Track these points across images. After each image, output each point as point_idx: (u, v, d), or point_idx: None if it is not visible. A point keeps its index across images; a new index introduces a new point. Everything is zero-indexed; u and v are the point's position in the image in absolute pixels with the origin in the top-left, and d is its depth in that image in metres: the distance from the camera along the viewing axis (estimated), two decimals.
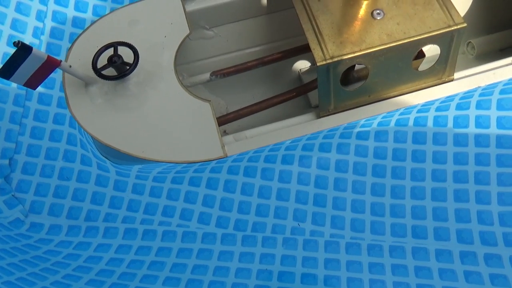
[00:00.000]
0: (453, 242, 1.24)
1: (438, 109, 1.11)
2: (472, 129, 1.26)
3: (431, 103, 1.09)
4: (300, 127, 1.01)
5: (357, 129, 1.07)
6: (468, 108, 1.18)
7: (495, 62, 1.06)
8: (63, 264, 1.19)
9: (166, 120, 0.97)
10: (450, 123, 1.22)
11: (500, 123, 1.24)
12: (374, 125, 1.08)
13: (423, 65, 1.12)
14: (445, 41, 0.97)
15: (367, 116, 1.02)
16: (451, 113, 1.17)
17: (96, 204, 1.37)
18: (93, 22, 1.04)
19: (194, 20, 1.13)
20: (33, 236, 1.28)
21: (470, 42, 1.31)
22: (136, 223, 1.33)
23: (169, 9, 1.06)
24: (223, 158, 0.97)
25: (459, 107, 1.16)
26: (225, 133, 1.17)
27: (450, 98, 1.11)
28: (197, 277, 1.19)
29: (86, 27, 1.10)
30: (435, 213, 1.28)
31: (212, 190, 1.22)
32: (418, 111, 1.10)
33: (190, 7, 1.12)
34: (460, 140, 1.28)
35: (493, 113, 1.23)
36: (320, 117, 1.03)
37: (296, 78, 1.25)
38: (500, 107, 1.18)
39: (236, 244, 1.25)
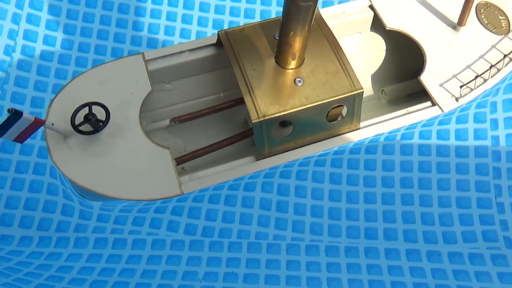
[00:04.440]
0: (401, 242, 1.38)
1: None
2: (416, 140, 1.44)
3: (344, 146, 1.36)
4: (242, 168, 1.22)
5: (281, 169, 1.32)
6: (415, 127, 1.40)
7: (392, 113, 1.32)
8: (35, 274, 1.22)
9: (132, 165, 1.12)
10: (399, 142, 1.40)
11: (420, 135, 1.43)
12: (296, 165, 1.33)
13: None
14: (349, 102, 1.20)
15: (293, 159, 1.26)
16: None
17: (66, 215, 1.41)
18: (68, 82, 1.18)
19: (156, 76, 1.30)
20: (4, 248, 1.30)
21: (383, 89, 1.53)
22: (107, 232, 1.38)
23: (134, 69, 1.21)
24: (180, 195, 1.14)
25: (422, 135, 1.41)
26: (183, 169, 1.32)
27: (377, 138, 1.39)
28: (167, 282, 1.26)
29: (65, 83, 1.25)
30: (385, 216, 1.42)
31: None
32: (351, 153, 1.39)
33: (152, 67, 1.28)
34: (406, 150, 1.46)
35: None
36: (258, 160, 1.24)
37: (243, 122, 1.45)
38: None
39: (203, 250, 1.34)
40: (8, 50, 1.61)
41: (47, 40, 1.69)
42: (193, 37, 1.80)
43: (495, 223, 1.39)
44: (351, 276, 1.31)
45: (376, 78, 1.59)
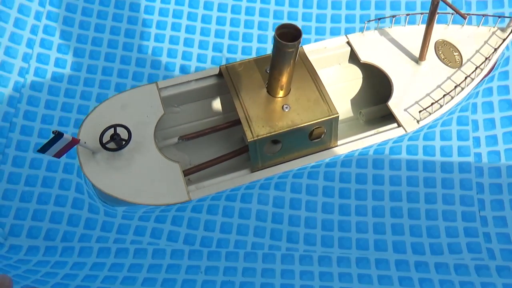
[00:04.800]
0: (390, 252, 1.45)
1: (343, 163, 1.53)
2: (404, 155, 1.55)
3: (324, 161, 1.52)
4: (239, 179, 1.42)
5: (275, 180, 1.47)
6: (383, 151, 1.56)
7: (362, 134, 1.52)
8: (42, 282, 1.28)
9: (148, 175, 1.31)
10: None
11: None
12: (290, 176, 1.49)
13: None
14: (327, 124, 1.41)
15: (282, 171, 1.45)
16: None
17: (72, 225, 1.48)
18: (95, 107, 1.40)
19: (167, 101, 1.52)
20: (13, 257, 1.37)
21: (361, 111, 1.75)
22: (110, 242, 1.45)
23: (150, 95, 1.43)
24: (188, 201, 1.31)
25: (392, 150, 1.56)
26: (189, 180, 1.51)
27: (351, 153, 1.53)
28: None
29: (91, 109, 1.46)
30: (375, 227, 1.50)
31: (177, 227, 1.45)
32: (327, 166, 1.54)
33: (164, 94, 1.50)
34: (395, 165, 1.55)
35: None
36: (252, 172, 1.43)
37: (240, 140, 1.67)
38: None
39: (202, 259, 1.40)
40: (22, 72, 1.73)
41: (58, 63, 1.81)
42: (194, 59, 1.93)
43: (479, 236, 1.46)
44: (343, 285, 1.35)
45: (355, 101, 1.82)
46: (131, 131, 1.29)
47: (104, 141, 1.28)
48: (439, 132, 1.58)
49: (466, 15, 1.40)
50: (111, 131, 1.29)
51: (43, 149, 1.10)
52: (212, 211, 1.43)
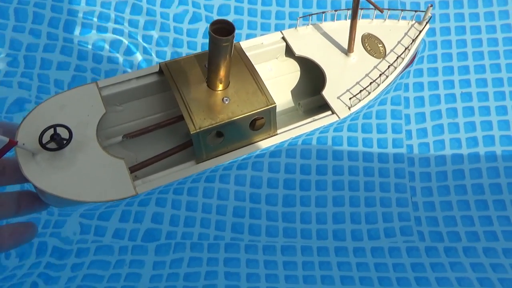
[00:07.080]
0: (330, 240, 1.53)
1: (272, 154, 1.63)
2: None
3: (266, 149, 1.61)
4: (185, 170, 1.46)
5: (220, 172, 1.53)
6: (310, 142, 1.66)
7: (299, 122, 1.62)
8: None
9: (92, 173, 1.31)
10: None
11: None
12: (234, 168, 1.55)
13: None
14: (266, 114, 1.49)
15: (226, 161, 1.51)
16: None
17: None
18: (33, 108, 1.37)
19: (109, 100, 1.52)
20: None
21: (300, 102, 1.88)
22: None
23: (90, 95, 1.43)
24: (135, 195, 1.32)
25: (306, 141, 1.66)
26: (135, 177, 1.50)
27: (281, 144, 1.63)
28: (112, 284, 1.31)
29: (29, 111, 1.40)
30: (317, 217, 1.57)
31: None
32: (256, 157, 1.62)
33: (105, 93, 1.50)
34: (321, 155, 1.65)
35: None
36: (197, 164, 1.47)
37: (185, 134, 1.70)
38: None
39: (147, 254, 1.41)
40: None
41: None
42: (153, 54, 1.95)
43: (411, 220, 1.58)
44: (287, 272, 1.41)
45: (294, 93, 1.94)
46: (72, 130, 1.28)
47: (44, 141, 1.25)
48: (375, 124, 1.73)
49: (383, 9, 1.53)
50: (51, 131, 1.27)
51: None
52: (160, 204, 1.44)
